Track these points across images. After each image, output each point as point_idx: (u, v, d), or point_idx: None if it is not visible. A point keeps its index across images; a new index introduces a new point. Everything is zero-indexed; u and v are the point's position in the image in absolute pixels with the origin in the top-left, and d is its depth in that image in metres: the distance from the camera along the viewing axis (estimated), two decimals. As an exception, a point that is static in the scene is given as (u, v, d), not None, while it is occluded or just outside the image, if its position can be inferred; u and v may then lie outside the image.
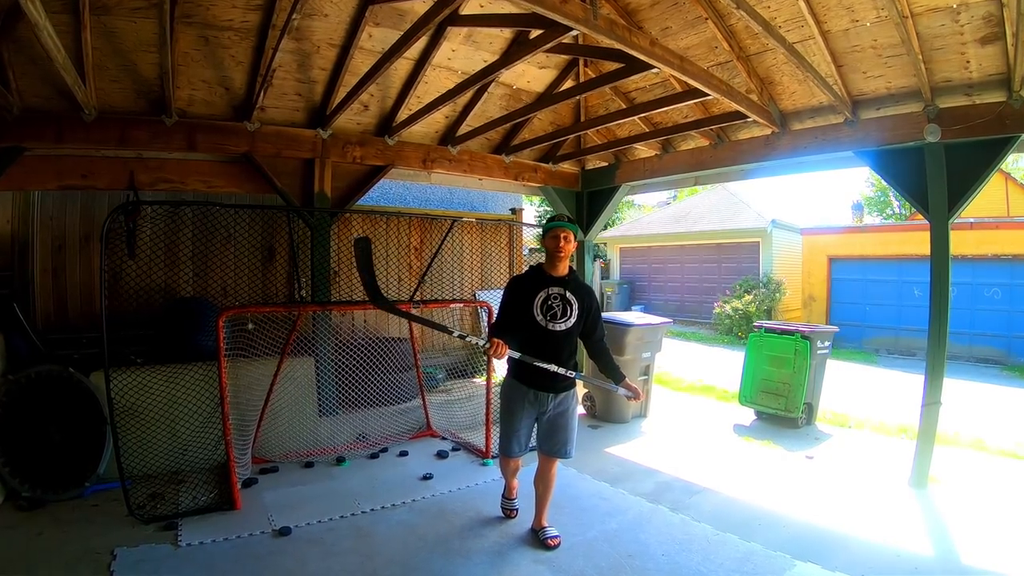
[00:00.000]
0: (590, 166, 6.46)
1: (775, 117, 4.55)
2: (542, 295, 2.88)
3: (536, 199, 26.46)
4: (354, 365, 4.75)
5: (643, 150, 5.74)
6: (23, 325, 3.56)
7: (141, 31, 3.35)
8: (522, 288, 2.93)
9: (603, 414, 5.62)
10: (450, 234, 5.39)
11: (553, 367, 2.81)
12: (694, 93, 3.90)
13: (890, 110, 4.12)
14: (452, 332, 2.92)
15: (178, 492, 3.56)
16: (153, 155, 4.15)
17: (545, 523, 3.20)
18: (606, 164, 6.26)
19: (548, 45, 3.15)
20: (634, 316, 5.88)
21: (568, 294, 2.91)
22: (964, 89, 3.76)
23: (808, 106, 4.49)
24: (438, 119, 5.22)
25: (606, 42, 3.01)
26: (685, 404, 6.43)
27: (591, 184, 6.45)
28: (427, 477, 4.01)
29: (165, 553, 2.91)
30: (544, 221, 3.83)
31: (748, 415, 5.57)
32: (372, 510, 3.49)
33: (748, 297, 12.17)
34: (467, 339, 2.94)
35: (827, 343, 5.23)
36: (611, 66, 3.84)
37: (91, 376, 3.60)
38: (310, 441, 4.52)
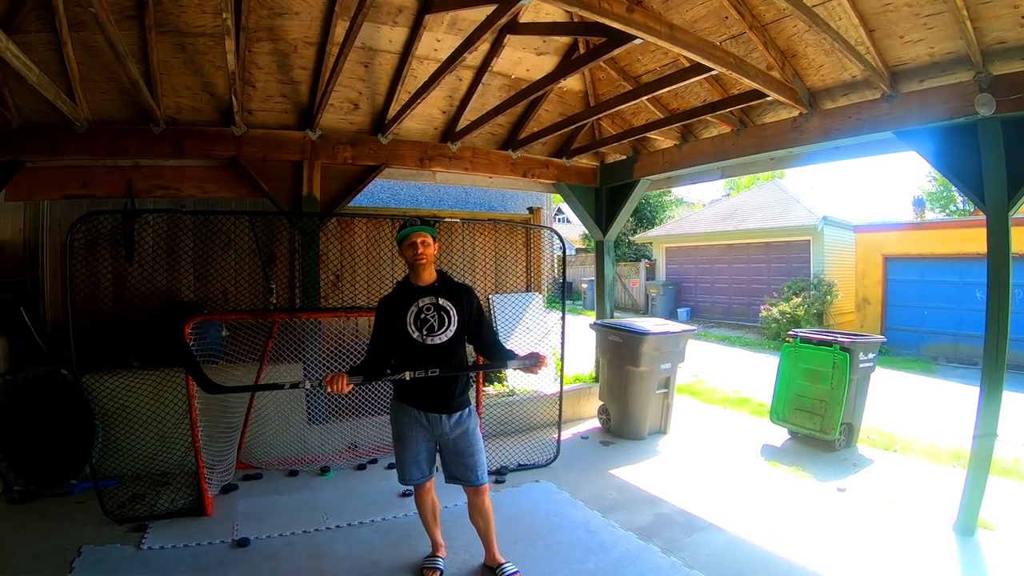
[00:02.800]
0: (610, 160, 6.34)
1: (802, 96, 4.25)
2: (413, 309, 2.79)
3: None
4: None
5: (662, 140, 5.55)
6: (28, 328, 4.05)
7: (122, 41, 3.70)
8: (391, 307, 2.85)
9: (618, 429, 5.51)
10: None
11: (418, 374, 2.69)
12: (698, 69, 3.72)
13: (935, 81, 3.73)
14: (283, 386, 2.86)
15: (159, 494, 3.88)
16: (149, 163, 4.55)
17: (500, 559, 3.06)
18: (624, 157, 6.12)
19: (503, 20, 3.14)
20: (650, 322, 5.72)
21: (441, 300, 2.82)
22: (1021, 52, 3.34)
23: (839, 81, 4.16)
24: (435, 115, 5.34)
25: (566, 10, 2.95)
26: (714, 419, 6.18)
27: (610, 179, 6.32)
28: (407, 494, 3.94)
29: (126, 555, 3.18)
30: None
31: (780, 435, 5.27)
32: (338, 526, 3.60)
33: (796, 300, 11.87)
34: (299, 386, 2.83)
35: (871, 355, 4.82)
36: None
37: (84, 378, 4.02)
38: (298, 449, 4.75)
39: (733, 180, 35.46)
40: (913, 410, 6.40)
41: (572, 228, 30.30)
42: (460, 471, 2.93)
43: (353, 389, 2.83)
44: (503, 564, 3.04)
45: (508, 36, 4.55)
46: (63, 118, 3.93)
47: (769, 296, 12.75)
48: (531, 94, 4.89)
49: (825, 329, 7.33)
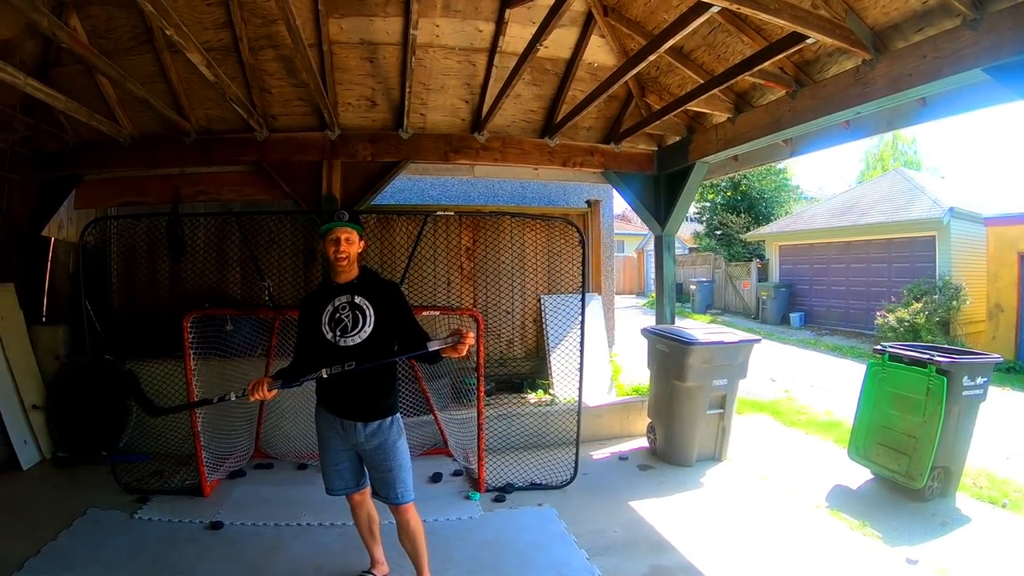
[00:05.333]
0: (669, 142, 5.90)
1: (862, 37, 3.55)
2: (328, 309, 2.78)
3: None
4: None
5: (717, 115, 5.03)
6: (91, 318, 5.07)
7: (141, 65, 4.46)
8: (310, 306, 2.86)
9: (663, 452, 5.15)
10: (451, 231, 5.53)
11: (334, 370, 2.65)
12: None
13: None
14: (212, 400, 2.97)
15: (175, 473, 4.56)
16: (193, 170, 5.39)
17: None
18: (679, 138, 5.65)
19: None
20: (701, 330, 5.22)
21: (357, 299, 2.78)
22: None
23: (908, 11, 3.37)
24: (458, 104, 5.47)
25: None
26: (788, 447, 5.50)
27: (667, 165, 5.88)
28: None
29: (119, 520, 3.84)
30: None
31: (860, 474, 4.49)
32: (308, 524, 3.87)
33: (917, 305, 10.92)
34: (226, 399, 2.90)
35: (980, 379, 3.87)
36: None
37: (128, 364, 4.91)
38: (312, 444, 5.19)
39: (862, 168, 30.58)
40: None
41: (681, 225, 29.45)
42: (379, 487, 2.89)
43: (280, 393, 2.84)
44: None
45: (508, 11, 4.51)
46: (110, 136, 4.84)
47: (888, 301, 12.12)
48: (557, 71, 4.83)
49: (930, 343, 6.00)
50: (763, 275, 17.94)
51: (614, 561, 3.42)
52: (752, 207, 23.27)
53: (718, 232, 23.75)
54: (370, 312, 2.77)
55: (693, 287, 19.96)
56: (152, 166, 5.12)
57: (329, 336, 2.75)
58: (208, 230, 5.83)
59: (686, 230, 28.82)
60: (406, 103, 5.12)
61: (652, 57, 3.84)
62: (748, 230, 21.23)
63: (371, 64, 4.99)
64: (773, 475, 4.69)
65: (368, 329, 2.75)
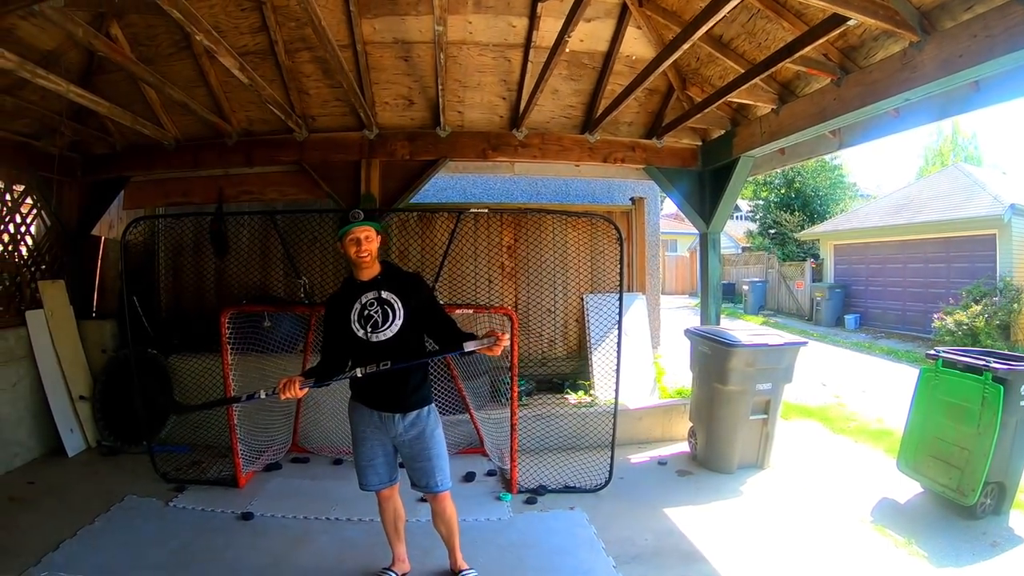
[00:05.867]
0: (713, 136, 5.75)
1: (908, 17, 3.36)
2: (357, 306, 2.86)
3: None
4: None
5: (761, 107, 4.87)
6: (139, 313, 5.37)
7: (182, 70, 4.70)
8: (337, 306, 2.94)
9: (703, 458, 5.04)
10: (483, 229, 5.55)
11: (369, 369, 2.73)
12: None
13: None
14: (240, 399, 3.08)
15: (212, 464, 4.76)
16: (237, 171, 5.61)
17: (462, 564, 3.21)
18: (723, 132, 5.51)
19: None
20: (745, 332, 5.05)
21: (384, 294, 2.87)
22: None
23: (956, -14, 3.20)
24: (495, 102, 5.49)
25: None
26: (835, 455, 5.28)
27: (712, 160, 5.74)
28: (423, 499, 4.04)
29: (154, 507, 4.05)
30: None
31: (908, 487, 4.25)
32: (337, 519, 3.97)
33: (976, 307, 10.72)
34: (255, 398, 2.98)
35: (1044, 388, 3.53)
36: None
37: (171, 358, 5.20)
38: (349, 440, 5.31)
39: (921, 165, 28.72)
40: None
41: (733, 224, 28.95)
42: (417, 476, 2.99)
43: (312, 391, 2.95)
44: (464, 571, 3.17)
45: (540, 4, 4.51)
46: (154, 139, 5.11)
47: (946, 303, 11.69)
48: (594, 65, 4.79)
49: (988, 348, 5.61)
50: (817, 275, 17.59)
51: (641, 570, 3.35)
52: (806, 205, 22.78)
53: (772, 231, 23.27)
54: (398, 306, 2.86)
55: (745, 287, 19.58)
56: (196, 167, 5.38)
57: (360, 333, 2.83)
58: (252, 229, 6.06)
59: (739, 229, 28.41)
60: (441, 101, 5.20)
61: (686, 46, 3.74)
62: (802, 229, 20.80)
63: (406, 63, 5.07)
64: (817, 485, 4.50)
65: (398, 323, 2.83)
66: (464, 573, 3.17)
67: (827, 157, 24.51)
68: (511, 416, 4.61)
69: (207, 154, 5.34)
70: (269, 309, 4.99)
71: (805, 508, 4.11)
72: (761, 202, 24.45)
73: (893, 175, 56.46)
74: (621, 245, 4.76)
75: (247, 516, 3.97)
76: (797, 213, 22.41)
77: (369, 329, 2.82)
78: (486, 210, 5.58)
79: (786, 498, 4.30)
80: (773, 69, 3.99)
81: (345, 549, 3.58)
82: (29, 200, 5.24)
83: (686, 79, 5.27)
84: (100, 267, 5.75)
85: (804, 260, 18.97)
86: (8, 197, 5.01)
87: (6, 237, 4.97)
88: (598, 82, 5.33)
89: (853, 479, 4.62)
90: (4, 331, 4.63)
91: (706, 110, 4.88)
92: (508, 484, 4.50)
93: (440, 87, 4.88)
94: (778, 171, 23.81)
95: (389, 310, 2.85)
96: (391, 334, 2.83)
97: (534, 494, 4.38)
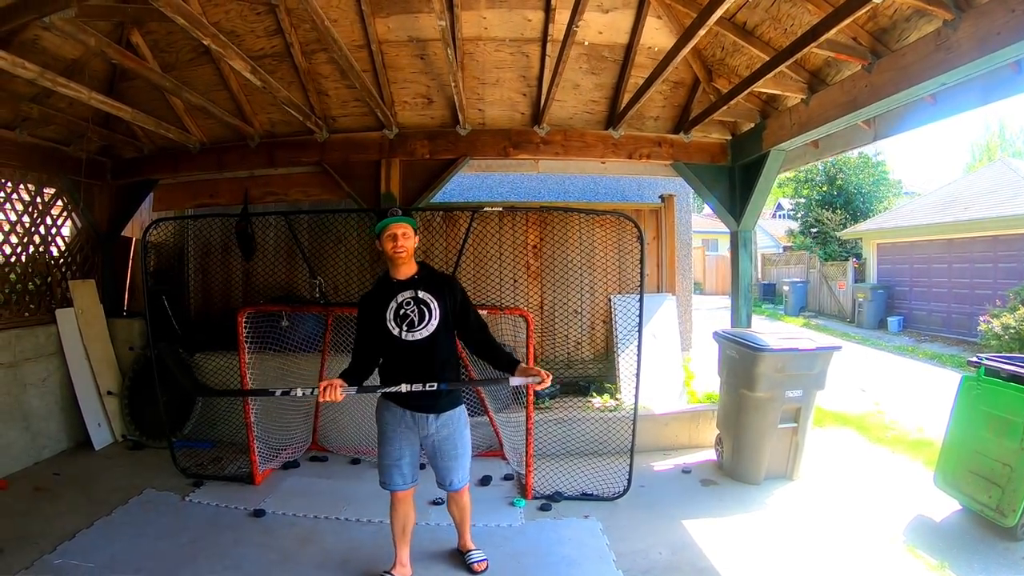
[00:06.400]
0: (743, 129, 5.52)
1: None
2: (392, 305, 2.90)
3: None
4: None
5: (789, 96, 4.64)
6: (167, 313, 5.59)
7: (203, 75, 4.81)
8: (372, 303, 2.98)
9: (729, 467, 4.84)
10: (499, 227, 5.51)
11: (415, 387, 2.78)
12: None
13: None
14: (274, 392, 3.03)
15: (232, 461, 4.86)
16: (262, 173, 5.72)
17: (470, 545, 3.37)
18: (753, 125, 5.27)
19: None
20: (775, 335, 4.82)
21: (421, 294, 2.91)
22: None
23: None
24: (516, 98, 5.41)
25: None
26: (871, 467, 5.00)
27: (741, 155, 5.49)
28: (437, 502, 4.10)
29: (171, 502, 4.17)
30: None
31: (945, 504, 3.96)
32: (347, 519, 3.99)
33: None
34: (290, 393, 2.97)
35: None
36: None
37: (196, 355, 5.36)
38: (367, 440, 5.37)
39: (968, 161, 26.89)
40: None
41: (775, 223, 28.35)
42: (442, 474, 3.10)
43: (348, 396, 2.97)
44: (472, 550, 3.33)
45: (554, -5, 4.43)
46: (179, 142, 5.28)
47: (993, 305, 11.18)
48: (615, 58, 4.69)
49: None
50: (860, 275, 17.12)
51: (650, 589, 3.20)
52: (849, 202, 22.20)
53: (813, 230, 22.72)
54: (434, 306, 2.91)
55: (786, 288, 19.08)
56: (220, 169, 5.51)
57: (395, 331, 2.88)
58: (277, 230, 6.18)
59: (780, 228, 27.73)
60: (459, 99, 5.17)
61: (702, 32, 3.55)
62: (844, 227, 20.22)
63: (422, 61, 5.05)
64: (847, 499, 4.24)
65: (434, 323, 2.89)
66: (471, 553, 3.32)
67: (869, 153, 23.71)
68: (526, 420, 4.55)
69: (231, 156, 5.47)
70: (286, 309, 5.08)
71: (832, 524, 3.87)
72: (803, 200, 23.92)
73: (940, 172, 54.29)
74: (641, 243, 4.63)
75: (259, 513, 4.02)
76: (839, 211, 21.89)
77: (404, 328, 2.87)
78: (499, 208, 5.54)
79: (813, 512, 4.06)
80: (799, 55, 3.76)
81: (351, 550, 3.58)
82: (60, 203, 5.48)
83: (712, 70, 5.08)
84: (131, 267, 6.03)
85: (846, 260, 18.48)
86: (39, 200, 5.25)
87: (37, 238, 5.22)
88: (620, 76, 5.17)
89: (887, 493, 4.33)
90: (35, 328, 4.86)
91: (732, 102, 4.67)
92: (524, 489, 4.42)
93: (454, 84, 4.83)
94: (819, 168, 23.24)
95: (426, 310, 2.90)
96: (426, 334, 2.88)
97: (549, 500, 4.29)
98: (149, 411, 5.25)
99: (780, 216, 28.96)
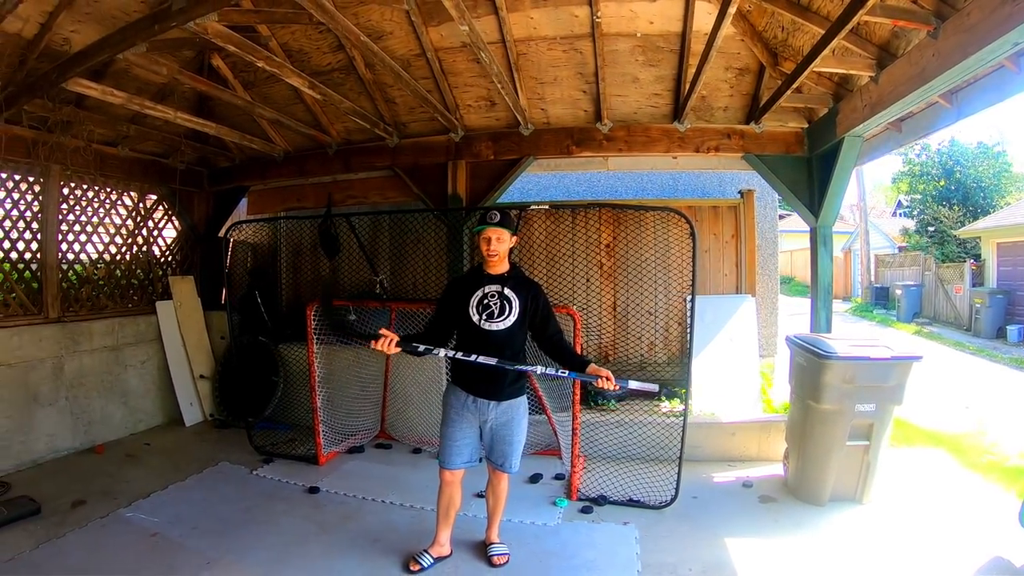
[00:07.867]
0: (819, 115, 5.11)
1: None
2: (478, 294, 3.17)
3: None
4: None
5: (859, 74, 4.26)
6: (259, 307, 6.33)
7: (280, 91, 5.29)
8: (459, 288, 3.27)
9: (793, 484, 4.48)
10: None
11: (485, 360, 3.02)
12: None
13: None
14: (349, 319, 3.43)
15: (305, 442, 5.25)
16: (344, 177, 6.18)
17: (495, 538, 3.51)
18: (827, 110, 4.87)
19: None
20: (847, 341, 4.39)
21: (507, 291, 3.16)
22: None
23: None
24: (576, 95, 5.41)
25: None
26: (956, 494, 4.43)
27: (818, 143, 5.07)
28: (481, 495, 4.06)
29: (240, 474, 4.66)
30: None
31: None
32: (391, 503, 4.23)
33: None
34: (350, 325, 3.39)
35: None
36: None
37: (280, 346, 5.97)
38: (431, 430, 5.59)
39: None
40: None
41: (893, 222, 25.89)
42: (495, 455, 3.30)
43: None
44: (495, 544, 3.49)
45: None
46: (265, 152, 5.92)
47: None
48: (671, 48, 4.65)
49: None
50: (978, 279, 15.43)
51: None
52: (967, 198, 20.02)
53: (930, 228, 20.65)
54: (516, 304, 3.17)
55: (899, 292, 17.37)
56: (303, 176, 6.04)
57: (475, 318, 3.15)
58: (360, 231, 6.79)
59: (895, 226, 25.49)
60: (517, 99, 5.31)
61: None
62: (962, 225, 18.23)
63: (479, 65, 5.29)
64: (916, 530, 3.72)
65: (512, 319, 3.15)
66: (494, 546, 3.47)
67: (989, 143, 21.12)
68: (572, 420, 4.62)
69: (311, 163, 5.98)
70: (349, 304, 5.56)
71: (890, 558, 3.43)
72: (919, 196, 21.73)
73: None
74: (694, 240, 4.51)
75: (314, 490, 4.37)
76: (956, 207, 19.83)
77: (484, 317, 3.14)
78: (546, 206, 5.64)
79: (872, 543, 3.62)
80: (852, 23, 3.49)
81: (385, 531, 3.80)
82: (161, 208, 6.28)
83: (776, 53, 4.74)
84: (228, 264, 6.91)
85: (964, 261, 16.53)
86: (141, 206, 6.04)
87: (140, 239, 5.99)
88: (680, 66, 5.05)
89: (966, 526, 3.76)
90: (136, 318, 5.63)
91: (797, 84, 4.38)
92: (570, 490, 4.43)
93: (505, 85, 4.92)
94: (935, 160, 21.02)
95: (507, 305, 3.16)
96: (503, 327, 3.13)
97: (592, 503, 4.25)
98: (235, 394, 5.89)
99: (901, 215, 26.14)
